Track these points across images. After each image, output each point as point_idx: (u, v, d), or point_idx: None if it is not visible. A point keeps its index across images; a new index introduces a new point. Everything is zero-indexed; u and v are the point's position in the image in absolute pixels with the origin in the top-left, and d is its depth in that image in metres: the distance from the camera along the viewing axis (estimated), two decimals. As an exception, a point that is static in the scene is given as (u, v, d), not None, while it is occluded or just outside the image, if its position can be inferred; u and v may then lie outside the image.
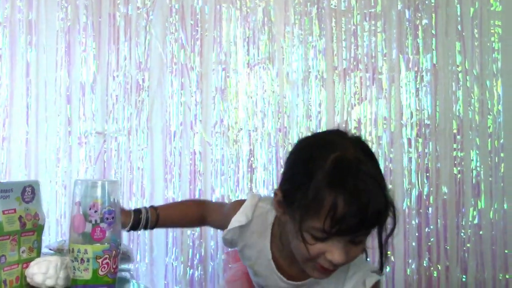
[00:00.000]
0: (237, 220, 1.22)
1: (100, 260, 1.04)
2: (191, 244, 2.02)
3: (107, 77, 2.05)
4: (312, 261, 1.05)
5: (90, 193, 1.07)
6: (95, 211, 1.05)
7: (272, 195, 1.14)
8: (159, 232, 2.01)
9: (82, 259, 1.04)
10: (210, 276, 1.98)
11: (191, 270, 1.99)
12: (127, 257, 1.34)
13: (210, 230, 2.00)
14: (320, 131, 1.17)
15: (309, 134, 1.14)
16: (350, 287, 1.14)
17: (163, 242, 2.02)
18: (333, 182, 0.99)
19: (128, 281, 1.21)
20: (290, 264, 1.18)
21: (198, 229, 2.01)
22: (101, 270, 1.05)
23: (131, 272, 1.30)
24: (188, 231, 2.01)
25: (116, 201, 1.09)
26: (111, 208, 1.06)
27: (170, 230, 2.02)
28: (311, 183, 1.00)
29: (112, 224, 1.06)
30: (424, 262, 1.98)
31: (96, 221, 1.05)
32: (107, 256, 1.05)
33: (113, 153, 2.05)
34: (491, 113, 2.00)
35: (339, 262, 1.03)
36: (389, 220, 1.04)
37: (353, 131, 2.03)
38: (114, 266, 1.06)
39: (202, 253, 1.98)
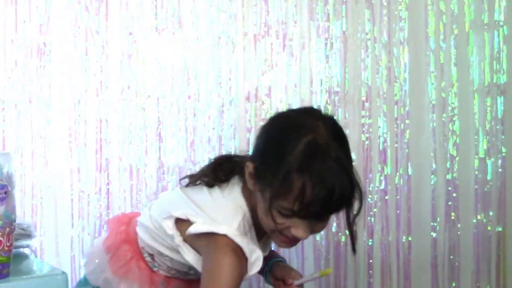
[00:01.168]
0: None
1: (-8, 238, 0.98)
2: (98, 215, 1.96)
3: (5, 40, 1.93)
4: (278, 232, 1.13)
5: (-21, 167, 1.00)
6: (-15, 187, 0.99)
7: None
8: (63, 203, 1.94)
9: (-28, 237, 0.97)
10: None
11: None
12: (27, 233, 1.28)
13: (116, 199, 1.95)
14: (294, 108, 1.23)
15: (284, 110, 1.19)
16: None
17: (69, 214, 1.94)
18: (302, 167, 1.04)
19: (27, 257, 1.15)
20: (259, 239, 1.23)
21: (105, 199, 1.96)
22: (-6, 248, 0.99)
23: (32, 248, 1.24)
24: (96, 202, 1.95)
25: (9, 174, 1.02)
26: (2, 183, 1.00)
27: (74, 200, 1.95)
28: (281, 166, 1.06)
29: (5, 199, 1.00)
30: (333, 227, 2.02)
31: (-14, 197, 0.98)
32: (0, 233, 0.99)
33: (13, 122, 1.94)
34: (397, 80, 2.04)
35: (303, 238, 1.13)
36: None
37: (264, 98, 2.03)
38: (8, 244, 0.99)
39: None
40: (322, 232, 2.00)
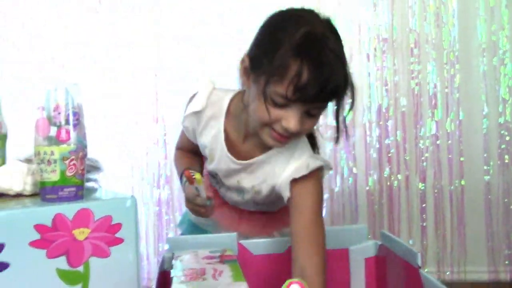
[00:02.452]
0: (192, 107, 1.26)
1: (67, 162, 1.04)
2: (156, 165, 2.04)
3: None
4: (268, 127, 1.11)
5: (53, 96, 1.06)
6: (59, 113, 1.05)
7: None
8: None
9: (49, 161, 1.04)
10: (177, 196, 2.00)
11: (158, 190, 2.01)
12: (96, 166, 1.34)
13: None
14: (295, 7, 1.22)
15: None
16: (294, 167, 1.18)
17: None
18: (299, 52, 1.03)
19: (95, 190, 1.21)
20: (244, 141, 1.23)
21: (163, 148, 2.03)
22: (69, 171, 1.04)
23: (99, 183, 1.30)
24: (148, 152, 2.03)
25: (79, 104, 1.08)
26: (75, 110, 1.06)
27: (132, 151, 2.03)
28: (279, 51, 1.05)
29: (77, 125, 1.06)
30: (385, 172, 2.04)
31: (60, 123, 1.05)
32: (73, 157, 1.04)
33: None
34: (446, 26, 2.03)
35: (293, 130, 1.09)
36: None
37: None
38: (81, 168, 1.06)
39: (168, 174, 1.99)
40: (375, 177, 2.04)
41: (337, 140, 1.17)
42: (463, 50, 2.02)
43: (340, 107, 1.11)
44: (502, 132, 2.02)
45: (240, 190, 1.28)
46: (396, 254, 1.12)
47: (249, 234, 1.31)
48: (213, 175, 1.33)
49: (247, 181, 1.26)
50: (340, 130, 1.16)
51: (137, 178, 2.02)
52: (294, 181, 1.16)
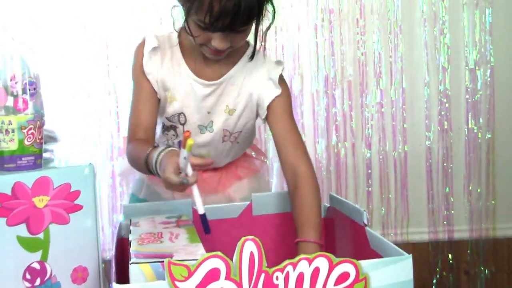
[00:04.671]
0: (148, 45, 1.28)
1: (25, 131, 1.05)
2: (109, 137, 2.04)
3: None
4: (204, 45, 1.20)
5: (9, 65, 1.07)
6: (16, 83, 1.06)
7: None
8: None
9: (6, 130, 1.04)
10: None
11: (112, 162, 2.02)
12: (53, 136, 1.33)
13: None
14: None
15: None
16: (266, 68, 1.28)
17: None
18: None
19: (52, 160, 1.22)
20: (206, 64, 1.29)
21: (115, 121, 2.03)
22: (27, 140, 1.05)
23: (54, 153, 1.30)
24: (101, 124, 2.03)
25: (35, 74, 1.09)
26: (31, 79, 1.07)
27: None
28: None
29: (34, 95, 1.07)
30: (332, 140, 2.11)
31: (17, 92, 1.05)
32: (31, 126, 1.05)
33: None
34: (391, -5, 2.09)
35: (223, 48, 1.18)
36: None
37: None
38: (39, 137, 1.07)
39: (121, 146, 1.99)
40: (322, 145, 2.10)
41: (252, 56, 1.27)
42: (406, 20, 2.09)
43: (259, 25, 1.20)
44: (441, 99, 2.10)
45: (209, 125, 1.32)
46: (344, 214, 1.19)
47: (206, 193, 1.33)
48: (170, 126, 1.34)
49: (219, 105, 1.30)
50: (256, 47, 1.25)
51: (90, 150, 2.02)
52: (271, 84, 1.27)
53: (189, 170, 1.07)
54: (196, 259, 0.80)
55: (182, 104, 1.30)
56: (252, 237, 0.81)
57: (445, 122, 2.12)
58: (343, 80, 2.10)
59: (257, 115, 1.33)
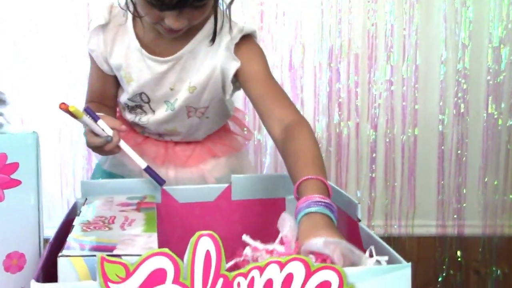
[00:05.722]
0: (94, 22, 1.22)
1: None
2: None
3: None
4: (159, 24, 1.09)
5: None
6: None
7: None
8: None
9: None
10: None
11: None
12: (0, 99, 1.19)
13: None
14: None
15: None
16: (228, 39, 1.16)
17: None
18: None
19: (1, 125, 1.07)
20: (159, 40, 1.19)
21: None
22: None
23: (6, 118, 1.16)
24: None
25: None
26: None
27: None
28: None
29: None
30: (334, 119, 1.94)
31: None
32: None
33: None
34: (406, -38, 1.91)
35: (178, 28, 1.08)
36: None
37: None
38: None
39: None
40: (323, 124, 1.94)
41: (214, 35, 1.14)
42: (423, -11, 1.91)
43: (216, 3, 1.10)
44: (459, 79, 1.93)
45: (174, 102, 1.22)
46: (336, 205, 1.01)
47: (177, 166, 1.29)
48: (134, 105, 1.25)
49: (182, 82, 1.19)
50: (217, 27, 1.13)
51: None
52: (236, 51, 1.15)
53: (108, 131, 1.08)
54: (140, 255, 0.66)
55: (139, 84, 1.21)
56: (208, 232, 0.67)
57: (462, 105, 1.93)
58: (349, 52, 1.92)
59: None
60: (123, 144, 1.10)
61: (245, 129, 1.42)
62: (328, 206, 0.84)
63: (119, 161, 1.31)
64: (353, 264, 0.74)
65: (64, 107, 1.01)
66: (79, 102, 1.19)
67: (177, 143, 1.32)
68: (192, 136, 1.31)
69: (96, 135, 1.09)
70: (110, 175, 1.35)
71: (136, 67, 1.20)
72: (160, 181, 1.08)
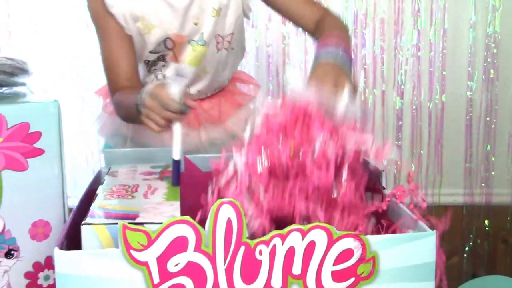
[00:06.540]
0: None
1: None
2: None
3: None
4: None
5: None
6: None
7: None
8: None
9: None
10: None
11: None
12: (23, 70, 1.19)
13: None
14: None
15: None
16: None
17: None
18: None
19: (23, 95, 1.08)
20: None
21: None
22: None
23: (30, 88, 1.16)
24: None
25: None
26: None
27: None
28: None
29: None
30: (360, 86, 1.91)
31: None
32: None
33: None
34: None
35: None
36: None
37: None
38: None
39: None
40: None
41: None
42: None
43: None
44: (489, 44, 1.87)
45: (199, 38, 1.20)
46: (360, 173, 0.99)
47: (212, 124, 1.30)
48: (156, 58, 1.22)
49: (205, 10, 1.19)
50: None
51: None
52: None
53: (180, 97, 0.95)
54: (161, 223, 0.66)
55: (163, 28, 1.18)
56: (230, 199, 0.67)
57: (491, 71, 1.88)
58: (375, 17, 1.87)
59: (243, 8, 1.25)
60: (177, 126, 0.97)
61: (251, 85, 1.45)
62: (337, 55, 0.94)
63: (139, 143, 1.30)
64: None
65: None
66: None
67: (202, 99, 1.30)
68: (218, 78, 1.30)
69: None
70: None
71: (155, 9, 1.17)
72: (176, 182, 0.96)
